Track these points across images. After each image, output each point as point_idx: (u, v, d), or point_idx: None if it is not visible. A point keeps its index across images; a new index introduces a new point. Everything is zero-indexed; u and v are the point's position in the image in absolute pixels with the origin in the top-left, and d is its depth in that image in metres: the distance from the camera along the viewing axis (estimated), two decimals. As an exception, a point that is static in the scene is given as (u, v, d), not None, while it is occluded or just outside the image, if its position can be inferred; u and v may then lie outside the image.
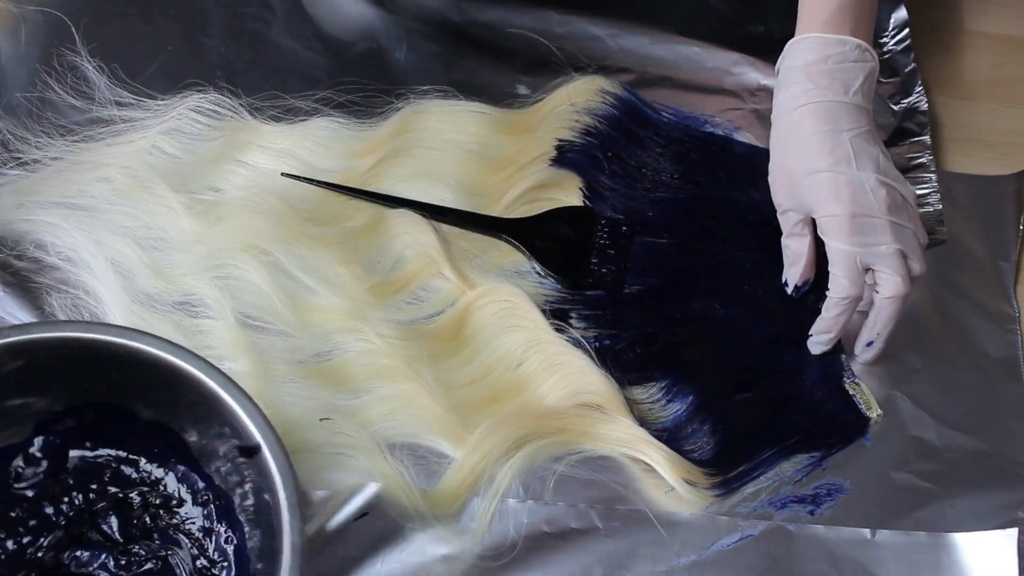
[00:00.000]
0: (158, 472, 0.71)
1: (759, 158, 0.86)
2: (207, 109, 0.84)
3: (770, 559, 0.75)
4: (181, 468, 0.70)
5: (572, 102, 0.87)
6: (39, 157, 0.82)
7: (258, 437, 0.65)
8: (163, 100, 0.84)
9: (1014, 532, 0.76)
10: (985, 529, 0.76)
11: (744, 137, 0.90)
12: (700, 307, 0.83)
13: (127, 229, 0.80)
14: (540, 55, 0.91)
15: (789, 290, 0.83)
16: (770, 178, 0.81)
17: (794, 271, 0.82)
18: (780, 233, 0.83)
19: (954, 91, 0.94)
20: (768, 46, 0.92)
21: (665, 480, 0.75)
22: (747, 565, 0.74)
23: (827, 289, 0.79)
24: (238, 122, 0.84)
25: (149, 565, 0.69)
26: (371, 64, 0.89)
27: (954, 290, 0.85)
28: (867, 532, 0.76)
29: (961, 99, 0.94)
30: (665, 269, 0.84)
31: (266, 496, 0.65)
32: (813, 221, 0.79)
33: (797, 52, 0.80)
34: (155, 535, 0.69)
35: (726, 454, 0.78)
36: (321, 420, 0.75)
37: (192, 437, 0.69)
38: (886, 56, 0.94)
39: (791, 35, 0.83)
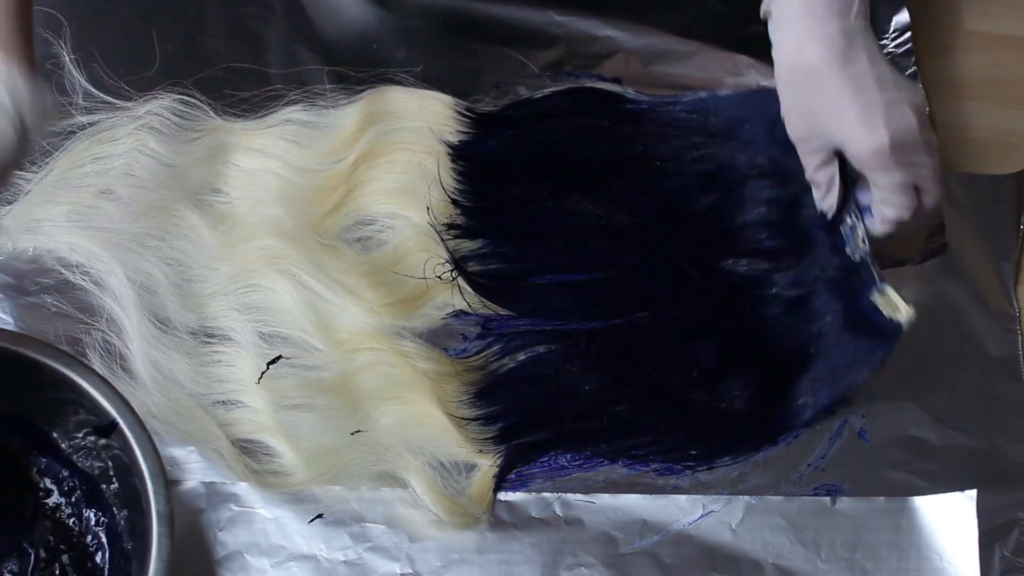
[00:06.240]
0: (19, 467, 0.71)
1: (744, 104, 0.87)
2: (176, 108, 0.84)
3: (731, 532, 0.76)
4: (43, 460, 0.71)
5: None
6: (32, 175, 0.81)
7: (113, 413, 0.66)
8: (133, 101, 0.84)
9: (973, 493, 0.77)
10: (985, 527, 0.77)
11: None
12: (729, 265, 0.83)
13: (150, 249, 0.79)
14: (540, 55, 0.91)
15: (829, 217, 0.80)
16: (786, 118, 0.79)
17: (830, 199, 0.79)
18: (783, 171, 0.83)
19: (954, 91, 0.94)
20: (768, 46, 0.92)
21: None
22: (707, 540, 0.76)
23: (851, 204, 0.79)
24: (209, 120, 0.84)
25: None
26: (371, 64, 0.89)
27: (954, 289, 0.85)
28: (827, 500, 0.77)
29: (961, 99, 0.94)
30: (687, 240, 0.84)
31: (131, 473, 0.66)
32: (839, 152, 0.77)
33: None
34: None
35: (762, 400, 0.79)
36: (353, 434, 0.75)
37: (50, 426, 0.70)
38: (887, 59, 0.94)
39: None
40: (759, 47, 0.92)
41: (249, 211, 0.82)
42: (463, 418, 0.77)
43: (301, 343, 0.78)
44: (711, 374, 0.81)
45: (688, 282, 0.83)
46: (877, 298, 0.79)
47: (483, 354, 0.80)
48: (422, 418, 0.76)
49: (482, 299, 0.81)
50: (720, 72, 0.92)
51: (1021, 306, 0.86)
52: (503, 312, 0.81)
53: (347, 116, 0.85)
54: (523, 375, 0.80)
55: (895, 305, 0.78)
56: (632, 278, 0.83)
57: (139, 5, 0.89)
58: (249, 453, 0.75)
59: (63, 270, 0.79)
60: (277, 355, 0.77)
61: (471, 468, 0.76)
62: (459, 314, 0.81)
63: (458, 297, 0.81)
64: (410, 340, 0.79)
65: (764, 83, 0.91)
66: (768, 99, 0.83)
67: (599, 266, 0.83)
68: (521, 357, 0.80)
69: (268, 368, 0.77)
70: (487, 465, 0.76)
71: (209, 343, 0.78)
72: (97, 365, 0.75)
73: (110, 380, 0.72)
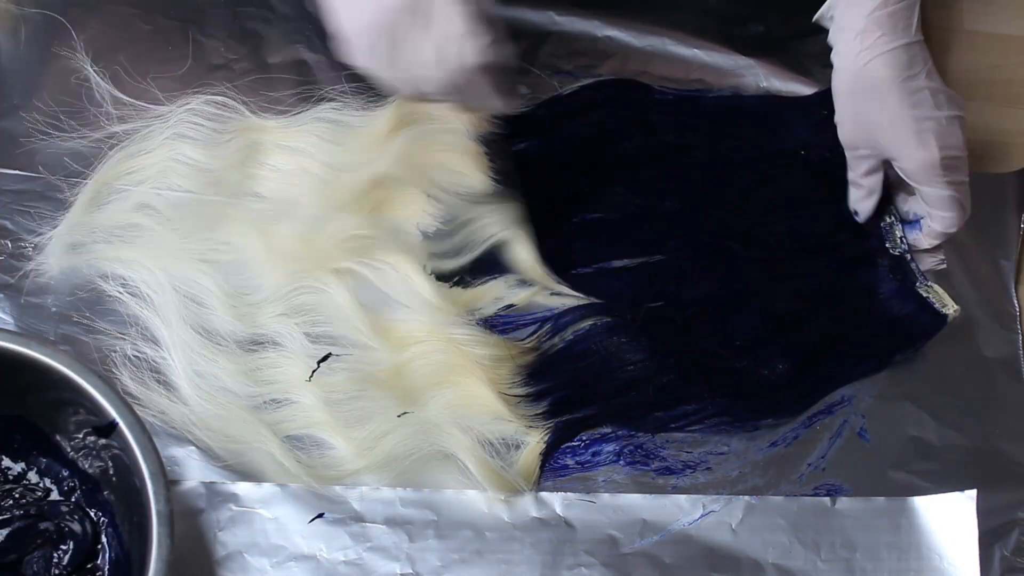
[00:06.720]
0: (19, 467, 0.71)
1: (771, 107, 0.89)
2: (207, 111, 0.84)
3: (731, 532, 0.76)
4: (44, 460, 0.71)
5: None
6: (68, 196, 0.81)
7: (113, 413, 0.66)
8: (164, 107, 0.84)
9: (973, 493, 0.77)
10: (985, 527, 0.77)
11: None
12: (774, 240, 0.85)
13: (196, 261, 0.79)
14: (540, 55, 0.91)
15: (860, 219, 0.84)
16: (840, 123, 0.82)
17: (868, 203, 0.83)
18: (820, 167, 0.85)
19: (954, 91, 0.94)
20: (768, 46, 0.92)
21: None
22: (707, 540, 0.76)
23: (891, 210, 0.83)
24: (241, 120, 0.84)
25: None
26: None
27: (954, 289, 0.85)
28: (827, 500, 0.77)
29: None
30: (723, 232, 0.85)
31: (131, 473, 0.66)
32: (886, 161, 0.80)
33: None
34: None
35: (801, 374, 0.81)
36: (400, 415, 0.76)
37: (50, 427, 0.70)
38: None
39: (791, 35, 0.83)
40: (759, 47, 0.93)
41: (291, 217, 0.81)
42: (514, 395, 0.78)
43: (352, 342, 0.79)
44: (753, 344, 0.82)
45: (732, 259, 0.84)
46: (924, 291, 0.82)
47: (536, 335, 0.81)
48: (472, 398, 0.77)
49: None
50: (720, 72, 0.92)
51: (1021, 306, 0.86)
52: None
53: (380, 117, 0.85)
54: (572, 352, 0.80)
55: (943, 300, 0.82)
56: (678, 259, 0.84)
57: (139, 5, 0.89)
58: (297, 450, 0.75)
59: (100, 282, 0.78)
60: (327, 353, 0.78)
61: (516, 447, 0.77)
62: (509, 308, 0.82)
63: (510, 292, 0.82)
64: (466, 327, 0.79)
65: (764, 83, 0.92)
66: (793, 104, 0.88)
67: (645, 251, 0.84)
68: (569, 337, 0.81)
69: (319, 366, 0.77)
70: (534, 441, 0.77)
71: (255, 350, 0.78)
72: (126, 378, 0.75)
73: (142, 393, 0.73)
